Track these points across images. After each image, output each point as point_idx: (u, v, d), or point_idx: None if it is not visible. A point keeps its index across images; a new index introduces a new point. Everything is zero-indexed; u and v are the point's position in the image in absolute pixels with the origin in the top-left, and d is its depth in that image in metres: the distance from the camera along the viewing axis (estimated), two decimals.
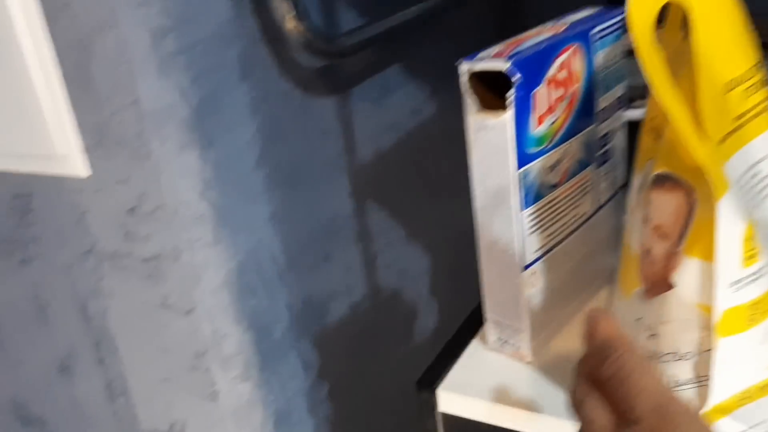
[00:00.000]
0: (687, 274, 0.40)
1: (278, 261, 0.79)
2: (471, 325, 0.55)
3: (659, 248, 0.40)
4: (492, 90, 0.41)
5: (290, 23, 0.69)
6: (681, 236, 0.40)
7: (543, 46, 0.42)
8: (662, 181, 0.39)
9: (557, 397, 0.51)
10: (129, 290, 0.74)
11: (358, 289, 0.94)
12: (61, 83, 0.65)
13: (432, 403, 0.56)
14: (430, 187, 1.07)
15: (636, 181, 0.43)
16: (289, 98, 0.78)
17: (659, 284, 0.41)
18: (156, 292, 0.72)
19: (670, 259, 0.39)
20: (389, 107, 0.95)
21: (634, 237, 0.42)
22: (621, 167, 0.54)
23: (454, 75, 0.74)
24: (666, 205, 0.40)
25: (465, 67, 0.42)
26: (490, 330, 0.50)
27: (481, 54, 0.42)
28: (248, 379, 0.77)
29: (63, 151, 0.68)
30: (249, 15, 0.71)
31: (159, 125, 0.64)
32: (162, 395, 0.79)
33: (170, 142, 0.65)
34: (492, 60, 0.41)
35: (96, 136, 0.66)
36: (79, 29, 0.62)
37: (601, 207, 0.52)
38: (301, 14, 0.69)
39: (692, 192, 0.38)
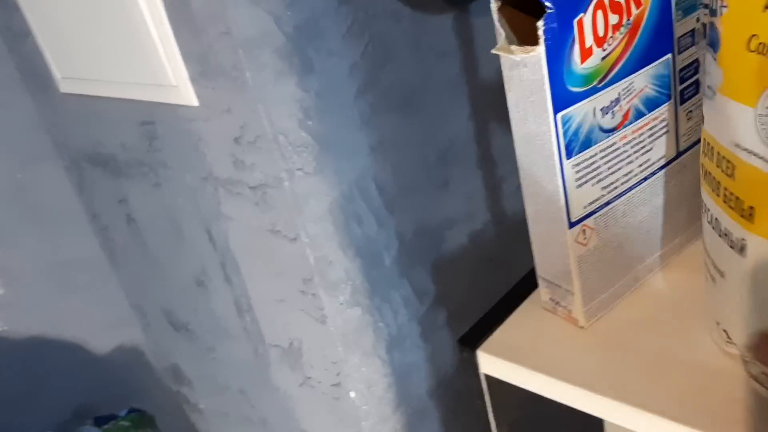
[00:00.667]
0: None
1: (387, 189, 0.77)
2: (529, 281, 0.49)
3: None
4: (534, 14, 0.35)
5: None
6: None
7: None
8: None
9: (608, 372, 0.44)
10: (243, 215, 0.76)
11: (480, 217, 0.90)
12: (165, 15, 0.66)
13: (474, 364, 0.52)
14: None
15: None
16: (398, 18, 0.74)
17: None
18: (265, 218, 0.74)
19: None
20: None
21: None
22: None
23: None
24: None
25: None
26: (542, 289, 0.45)
27: None
28: (356, 305, 0.77)
29: (174, 81, 0.70)
30: None
31: (253, 54, 0.64)
32: (280, 315, 0.82)
33: (266, 71, 0.65)
34: None
35: (199, 66, 0.67)
36: None
37: (684, 152, 0.44)
38: None
39: None
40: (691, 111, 0.44)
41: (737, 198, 0.37)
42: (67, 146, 0.98)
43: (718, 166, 0.38)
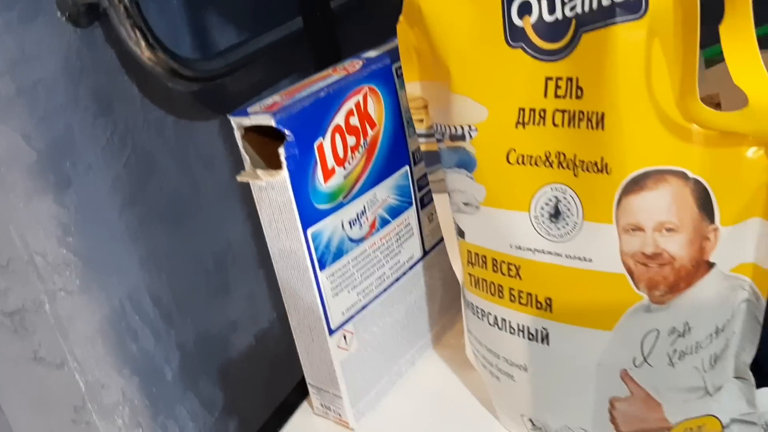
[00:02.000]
0: (735, 241, 0.36)
1: (163, 300, 0.75)
2: (303, 387, 0.51)
3: (673, 244, 0.36)
4: (276, 137, 0.38)
5: (145, 52, 0.65)
6: (700, 218, 0.36)
7: (323, 93, 0.39)
8: (640, 181, 0.36)
9: None
10: (0, 345, 0.70)
11: (264, 317, 0.90)
12: None
13: None
14: None
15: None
16: (162, 129, 0.74)
17: (687, 276, 0.37)
18: (25, 346, 0.68)
19: (701, 244, 0.36)
20: None
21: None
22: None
23: None
24: (658, 201, 0.36)
25: (235, 123, 0.38)
26: (313, 396, 0.46)
27: (254, 107, 0.39)
28: (137, 427, 0.73)
29: None
30: (102, 46, 0.67)
31: (0, 173, 0.60)
32: None
33: (16, 191, 0.61)
34: (261, 114, 0.37)
35: None
36: None
37: (429, 251, 0.48)
38: (153, 42, 0.65)
39: (684, 173, 0.35)
40: (432, 213, 0.48)
41: (529, 294, 0.40)
42: None
43: (496, 272, 0.41)
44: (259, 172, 0.38)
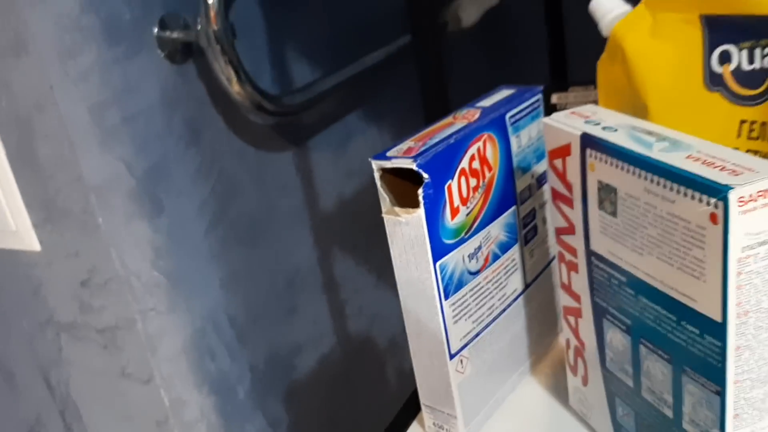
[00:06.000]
0: None
1: (238, 321, 0.79)
2: (411, 407, 0.54)
3: None
4: (407, 177, 0.41)
5: (235, 87, 0.69)
6: None
7: (453, 140, 0.42)
8: None
9: None
10: (88, 360, 0.73)
11: (327, 339, 0.93)
12: (5, 161, 0.65)
13: None
14: None
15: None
16: (243, 157, 0.78)
17: None
18: (114, 361, 0.72)
19: None
20: (350, 154, 0.95)
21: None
22: (551, 240, 0.55)
23: (415, 114, 0.73)
24: None
25: (376, 165, 0.42)
26: (426, 415, 0.50)
27: (392, 150, 0.43)
28: None
29: (14, 226, 0.68)
30: (194, 81, 0.71)
31: (105, 198, 0.64)
32: None
33: (117, 214, 0.65)
34: (402, 158, 0.41)
35: (43, 211, 0.66)
36: (18, 107, 0.62)
37: (530, 284, 0.52)
38: (243, 78, 0.69)
39: None
40: (533, 249, 0.52)
41: None
42: None
43: None
44: (398, 209, 0.41)
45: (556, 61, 1.05)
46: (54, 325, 0.73)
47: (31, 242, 0.68)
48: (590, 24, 0.52)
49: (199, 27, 0.67)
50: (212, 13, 0.66)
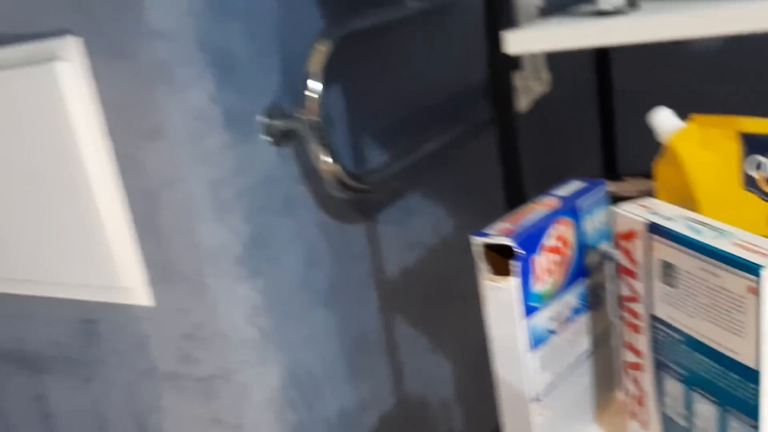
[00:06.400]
0: None
1: (315, 376, 0.87)
2: None
3: None
4: (498, 251, 0.51)
5: (326, 167, 0.80)
6: None
7: (540, 222, 0.53)
8: None
9: None
10: (184, 407, 0.82)
11: (389, 398, 1.01)
12: (130, 226, 0.75)
13: None
14: (452, 297, 1.15)
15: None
16: (325, 229, 0.88)
17: None
18: (208, 409, 0.80)
19: None
20: (412, 228, 1.04)
21: None
22: (611, 307, 0.64)
23: (470, 196, 0.82)
24: None
25: (477, 241, 0.52)
26: None
27: (491, 229, 0.53)
28: None
29: (129, 284, 0.78)
30: (291, 160, 0.82)
31: (214, 262, 0.74)
32: None
33: (224, 276, 0.75)
34: (501, 237, 0.51)
35: (160, 271, 0.76)
36: (149, 182, 0.72)
37: (597, 342, 0.61)
38: (334, 157, 0.79)
39: None
40: (599, 314, 0.62)
41: None
42: None
43: None
44: (497, 278, 0.51)
45: (607, 153, 1.17)
46: (156, 374, 0.82)
47: (146, 298, 0.78)
48: (639, 122, 0.64)
49: (299, 116, 0.78)
50: (313, 106, 0.77)
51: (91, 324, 0.84)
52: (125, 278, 0.77)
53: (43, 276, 0.82)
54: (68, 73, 0.69)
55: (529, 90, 1.24)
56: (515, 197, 0.77)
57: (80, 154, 0.71)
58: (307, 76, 0.77)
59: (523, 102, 1.21)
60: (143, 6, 0.64)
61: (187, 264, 0.74)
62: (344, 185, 0.83)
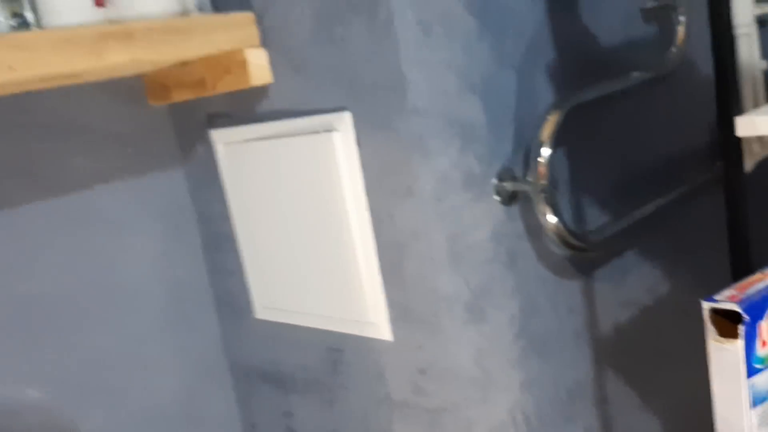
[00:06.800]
0: None
1: (530, 422, 0.93)
2: None
3: None
4: (724, 315, 0.56)
5: (551, 226, 0.87)
6: None
7: (765, 291, 0.57)
8: None
9: None
10: None
11: None
12: (379, 270, 0.88)
13: None
14: (663, 357, 1.16)
15: None
16: (544, 282, 0.95)
17: None
18: None
19: None
20: (627, 286, 1.08)
21: None
22: None
23: (686, 257, 0.86)
24: None
25: (706, 306, 0.57)
26: None
27: (719, 295, 0.58)
28: None
29: (374, 319, 0.90)
30: (516, 219, 0.91)
31: (448, 307, 0.84)
32: None
33: (455, 319, 0.84)
34: (728, 302, 0.56)
35: (401, 311, 0.87)
36: (398, 234, 0.84)
37: None
38: (559, 216, 0.87)
39: None
40: None
41: None
42: (243, 364, 1.16)
43: None
44: (724, 340, 0.56)
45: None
46: (389, 403, 0.93)
47: (387, 333, 0.89)
48: None
49: (529, 180, 0.87)
50: (542, 171, 0.86)
51: (338, 352, 0.98)
52: (371, 314, 0.90)
53: (303, 307, 0.98)
54: (340, 141, 0.84)
55: (751, 152, 1.23)
56: (740, 257, 0.79)
57: (345, 208, 0.86)
58: (539, 144, 0.86)
59: (747, 164, 1.21)
60: (407, 88, 0.77)
61: (424, 306, 0.85)
62: (566, 243, 0.90)
